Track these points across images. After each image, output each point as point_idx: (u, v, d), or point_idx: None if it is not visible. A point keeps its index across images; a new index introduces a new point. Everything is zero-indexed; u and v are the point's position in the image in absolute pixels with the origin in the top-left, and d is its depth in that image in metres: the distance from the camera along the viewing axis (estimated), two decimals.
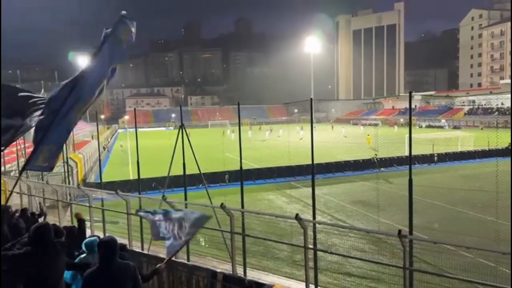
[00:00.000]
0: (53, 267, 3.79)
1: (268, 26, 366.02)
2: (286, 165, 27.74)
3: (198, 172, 11.65)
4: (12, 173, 20.60)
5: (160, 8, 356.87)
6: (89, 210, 9.37)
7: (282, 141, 40.25)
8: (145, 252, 8.71)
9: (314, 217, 8.36)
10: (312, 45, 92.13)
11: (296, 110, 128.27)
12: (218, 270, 6.42)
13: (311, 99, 9.00)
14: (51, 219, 9.62)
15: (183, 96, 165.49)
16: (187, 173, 11.07)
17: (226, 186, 24.01)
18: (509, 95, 63.68)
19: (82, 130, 68.98)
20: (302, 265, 7.85)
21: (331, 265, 10.17)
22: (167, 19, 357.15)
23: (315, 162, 8.50)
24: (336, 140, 43.14)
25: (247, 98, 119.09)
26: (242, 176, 9.82)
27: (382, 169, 28.56)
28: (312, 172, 8.40)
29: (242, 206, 9.13)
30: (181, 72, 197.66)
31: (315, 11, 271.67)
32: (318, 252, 7.35)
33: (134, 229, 9.09)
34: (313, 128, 8.64)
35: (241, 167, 9.81)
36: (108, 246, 3.73)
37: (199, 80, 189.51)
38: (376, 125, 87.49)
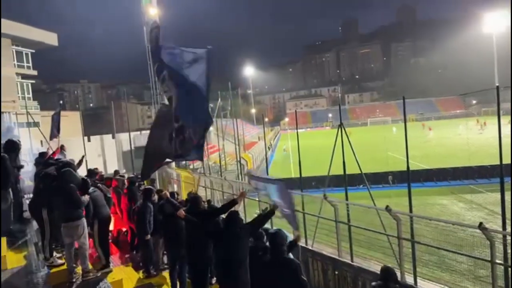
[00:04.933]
0: (236, 248, 4.39)
1: (435, 10, 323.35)
2: (464, 165, 24.08)
3: (359, 172, 11.32)
4: (198, 170, 24.71)
5: (317, 11, 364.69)
6: (258, 204, 10.41)
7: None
8: (309, 247, 9.02)
9: (504, 228, 6.99)
10: (493, 23, 76.92)
11: (474, 102, 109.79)
12: None
13: (497, 86, 7.57)
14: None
15: (340, 95, 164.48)
16: (347, 172, 10.90)
17: (389, 187, 22.54)
18: None
19: (249, 132, 77.13)
20: (487, 282, 6.68)
21: None
22: (325, 20, 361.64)
23: (503, 162, 7.07)
24: None
25: (411, 91, 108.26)
26: (409, 177, 9.05)
27: None
28: (501, 173, 7.04)
29: (410, 210, 8.39)
30: (338, 71, 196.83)
31: None
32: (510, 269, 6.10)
33: None
34: None
35: (408, 167, 9.02)
36: (274, 238, 4.15)
37: (357, 77, 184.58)
38: None
